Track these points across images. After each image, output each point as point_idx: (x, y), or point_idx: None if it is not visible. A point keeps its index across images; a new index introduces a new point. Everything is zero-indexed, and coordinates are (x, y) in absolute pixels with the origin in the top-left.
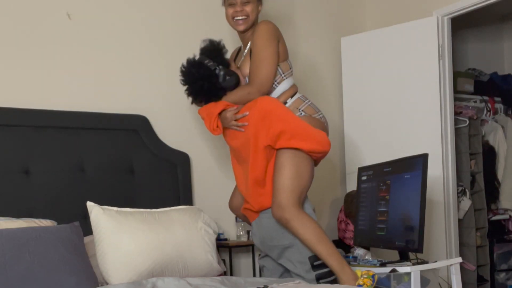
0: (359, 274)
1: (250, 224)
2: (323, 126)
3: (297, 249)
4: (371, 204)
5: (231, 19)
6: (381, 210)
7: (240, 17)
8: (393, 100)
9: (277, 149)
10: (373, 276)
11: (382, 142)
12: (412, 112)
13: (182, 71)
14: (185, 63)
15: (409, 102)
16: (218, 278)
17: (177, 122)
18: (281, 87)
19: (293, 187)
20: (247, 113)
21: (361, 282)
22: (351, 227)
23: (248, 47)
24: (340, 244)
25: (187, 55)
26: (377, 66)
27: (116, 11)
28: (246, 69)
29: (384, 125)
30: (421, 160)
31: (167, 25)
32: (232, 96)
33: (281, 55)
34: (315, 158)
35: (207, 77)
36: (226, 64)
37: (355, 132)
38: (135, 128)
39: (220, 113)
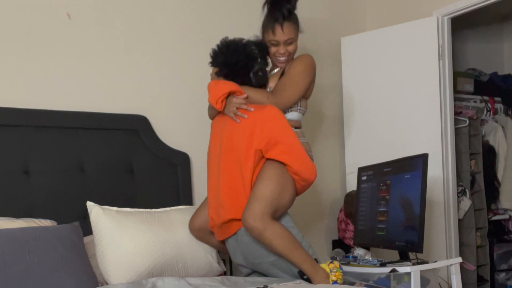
0: (327, 269)
1: (212, 244)
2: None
3: (285, 263)
4: (371, 204)
5: (272, 55)
6: (381, 210)
7: (283, 58)
8: (393, 100)
9: (266, 159)
10: (340, 267)
11: (382, 142)
12: (412, 112)
13: (225, 41)
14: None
15: (409, 102)
16: (218, 278)
17: (177, 122)
18: (291, 115)
19: (272, 200)
20: (252, 109)
21: (334, 278)
22: (351, 227)
23: (278, 68)
24: (340, 244)
25: (187, 54)
26: (377, 66)
27: (116, 11)
28: (271, 84)
29: (384, 125)
30: (421, 160)
31: (167, 25)
32: (252, 91)
33: (308, 92)
34: (298, 185)
35: (247, 59)
36: (266, 63)
37: (355, 132)
38: (135, 128)
39: (228, 95)
